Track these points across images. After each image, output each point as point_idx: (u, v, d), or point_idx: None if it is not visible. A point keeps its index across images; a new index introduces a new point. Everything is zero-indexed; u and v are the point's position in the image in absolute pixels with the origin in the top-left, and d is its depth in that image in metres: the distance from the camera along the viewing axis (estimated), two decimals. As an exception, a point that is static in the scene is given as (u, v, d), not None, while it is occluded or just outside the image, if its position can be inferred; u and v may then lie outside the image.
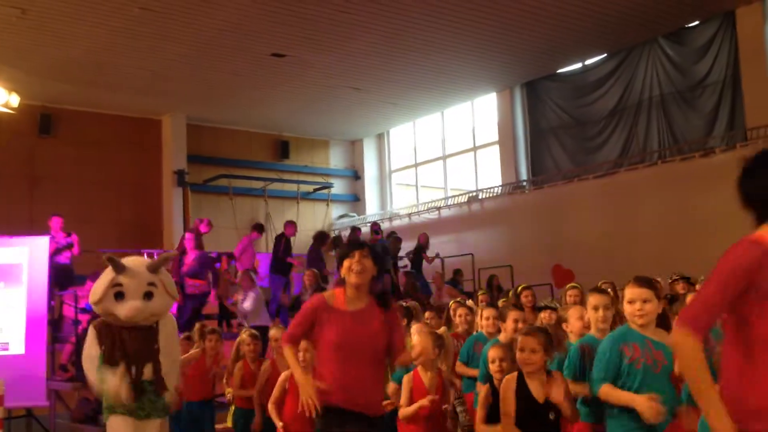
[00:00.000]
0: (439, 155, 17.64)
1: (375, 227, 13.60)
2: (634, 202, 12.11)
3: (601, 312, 3.88)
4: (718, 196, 10.78)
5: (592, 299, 3.98)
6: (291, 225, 12.12)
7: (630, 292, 3.38)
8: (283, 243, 11.64)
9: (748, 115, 11.60)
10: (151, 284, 4.03)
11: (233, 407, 5.90)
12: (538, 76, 14.69)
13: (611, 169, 13.22)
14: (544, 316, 5.38)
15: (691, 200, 11.21)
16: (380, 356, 3.56)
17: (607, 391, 3.31)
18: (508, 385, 3.64)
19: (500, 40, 12.48)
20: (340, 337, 3.45)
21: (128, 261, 4.11)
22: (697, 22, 12.43)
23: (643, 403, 3.14)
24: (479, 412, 3.83)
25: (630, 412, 3.22)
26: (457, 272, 12.58)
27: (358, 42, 12.21)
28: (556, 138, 14.75)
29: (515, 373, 3.67)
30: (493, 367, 4.03)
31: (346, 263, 3.53)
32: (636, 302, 3.32)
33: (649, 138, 13.13)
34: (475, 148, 16.76)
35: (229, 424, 6.10)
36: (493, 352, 4.10)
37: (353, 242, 4.05)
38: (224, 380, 6.04)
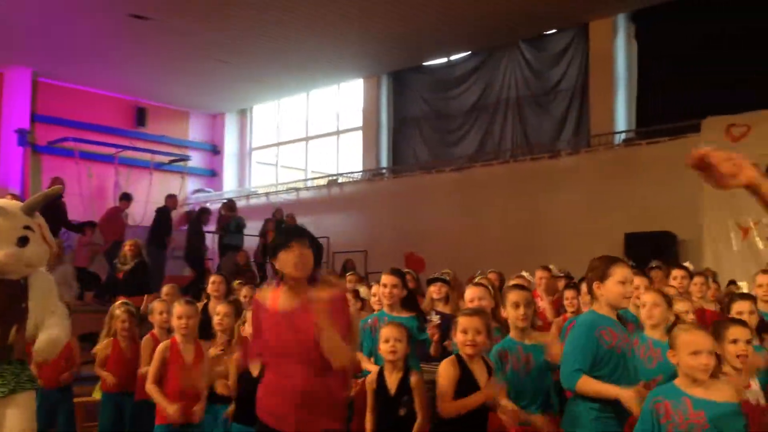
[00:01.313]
0: (301, 136, 17.54)
1: (230, 204, 13.39)
2: (486, 196, 12.63)
3: (522, 310, 3.65)
4: (562, 196, 11.55)
5: (513, 296, 3.70)
6: (172, 198, 12.11)
7: (622, 273, 3.27)
8: (165, 216, 11.57)
9: (593, 122, 12.43)
10: (27, 228, 3.26)
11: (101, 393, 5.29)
12: (404, 66, 14.93)
13: (467, 163, 13.70)
14: (434, 290, 5.38)
15: (538, 198, 11.85)
16: (320, 362, 2.91)
17: (585, 383, 3.11)
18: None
19: (368, 27, 12.56)
20: (269, 343, 3.06)
21: None
22: (554, 31, 13.13)
23: (631, 396, 2.96)
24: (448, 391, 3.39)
25: (602, 400, 3.09)
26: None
27: (226, 12, 11.83)
28: (418, 129, 15.08)
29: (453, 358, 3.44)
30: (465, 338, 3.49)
31: (282, 256, 3.03)
32: (626, 284, 3.26)
33: (504, 136, 13.74)
34: (338, 132, 16.80)
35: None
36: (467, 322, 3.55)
37: (290, 230, 3.43)
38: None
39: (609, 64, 12.30)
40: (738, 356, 3.22)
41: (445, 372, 3.37)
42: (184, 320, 4.33)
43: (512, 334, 3.71)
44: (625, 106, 12.26)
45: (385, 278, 4.56)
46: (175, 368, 4.22)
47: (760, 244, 9.48)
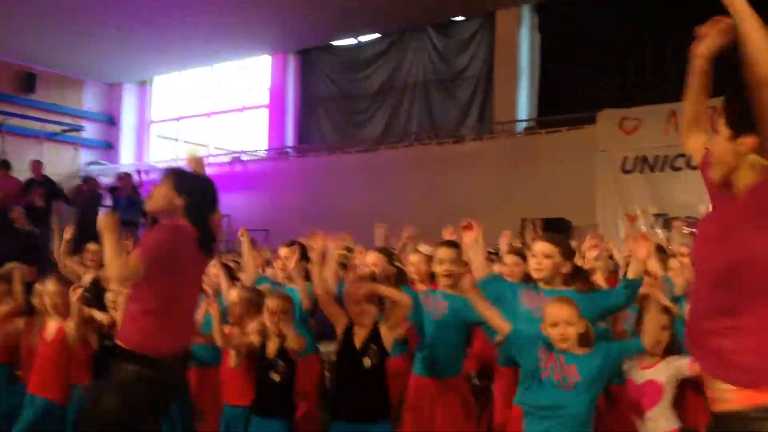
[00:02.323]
0: (205, 111, 17.06)
1: (125, 177, 12.97)
2: (392, 179, 12.71)
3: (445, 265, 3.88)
4: (465, 181, 11.77)
5: (438, 253, 3.95)
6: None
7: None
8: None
9: (497, 110, 12.71)
10: None
11: None
12: (313, 45, 14.76)
13: (373, 145, 13.73)
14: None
15: (442, 182, 12.03)
16: None
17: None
18: None
19: (277, 2, 12.31)
20: None
21: None
22: (462, 18, 13.30)
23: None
24: None
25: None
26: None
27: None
28: (325, 109, 14.98)
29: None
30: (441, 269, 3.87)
31: None
32: (538, 256, 3.47)
33: (410, 120, 13.86)
34: (243, 109, 16.45)
35: None
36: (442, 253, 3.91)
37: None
38: None
39: (513, 53, 12.58)
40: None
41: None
42: None
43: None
44: (528, 95, 12.60)
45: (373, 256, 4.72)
46: None
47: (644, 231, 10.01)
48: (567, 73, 11.81)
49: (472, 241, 3.83)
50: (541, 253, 3.45)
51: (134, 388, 3.08)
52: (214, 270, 4.86)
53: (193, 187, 3.32)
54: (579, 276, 3.60)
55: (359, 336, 3.57)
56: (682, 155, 9.96)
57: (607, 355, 3.12)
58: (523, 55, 12.59)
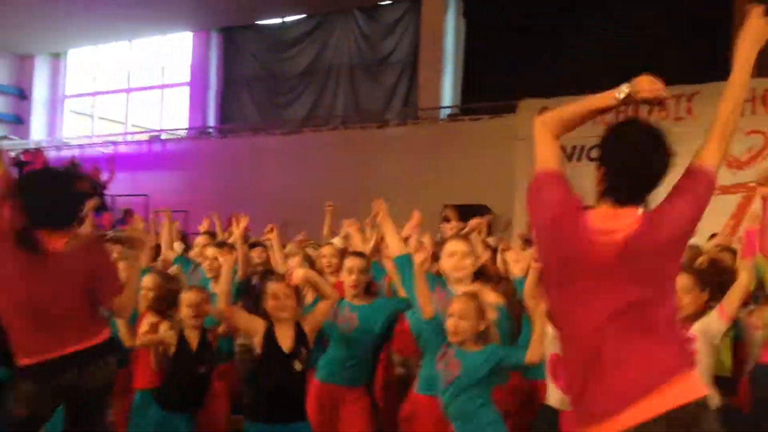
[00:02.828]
0: (122, 87, 16.47)
1: (34, 154, 12.42)
2: (316, 162, 12.61)
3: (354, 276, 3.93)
4: (389, 165, 11.80)
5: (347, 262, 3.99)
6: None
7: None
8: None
9: (421, 95, 12.79)
10: None
11: None
12: (237, 23, 14.44)
13: (297, 127, 13.60)
14: (256, 254, 5.37)
15: (367, 166, 12.02)
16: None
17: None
18: None
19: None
20: None
21: None
22: (389, 2, 13.28)
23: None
24: None
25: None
26: (128, 212, 11.95)
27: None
28: (249, 89, 14.71)
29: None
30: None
31: None
32: (457, 255, 3.44)
33: (335, 103, 13.78)
34: (163, 86, 15.97)
35: None
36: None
37: None
38: None
39: (439, 39, 12.66)
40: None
41: None
42: None
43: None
44: (452, 82, 12.72)
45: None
46: None
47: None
48: (491, 61, 11.96)
49: (382, 219, 3.78)
50: (461, 253, 3.45)
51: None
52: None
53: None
54: (483, 274, 3.60)
55: (285, 339, 3.46)
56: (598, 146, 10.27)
57: (490, 357, 3.08)
58: (448, 41, 12.69)
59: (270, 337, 3.45)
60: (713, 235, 6.14)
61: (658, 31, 10.30)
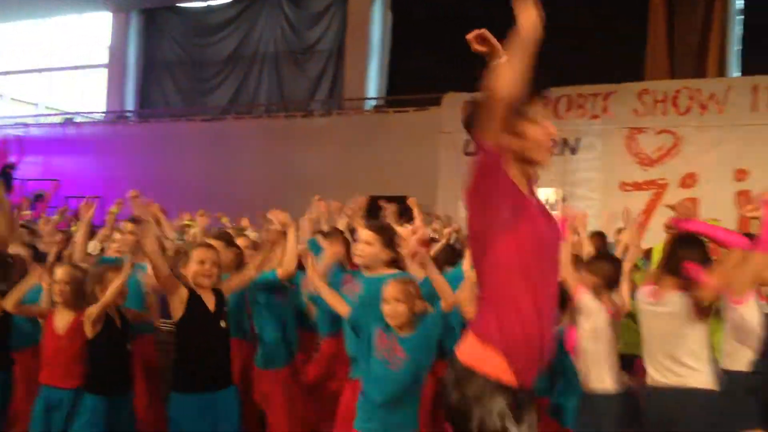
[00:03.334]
0: (35, 67, 15.77)
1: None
2: (238, 150, 12.42)
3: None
4: (314, 156, 11.75)
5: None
6: None
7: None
8: None
9: (347, 86, 12.77)
10: None
11: None
12: (158, 5, 14.04)
13: (220, 114, 13.35)
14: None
15: (291, 156, 11.93)
16: None
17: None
18: None
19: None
20: None
21: None
22: (316, -10, 13.19)
23: None
24: None
25: None
26: (39, 197, 11.47)
27: None
28: (170, 74, 14.34)
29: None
30: None
31: None
32: (360, 243, 3.50)
33: (259, 91, 13.60)
34: (79, 68, 15.37)
35: None
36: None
37: None
38: None
39: (365, 31, 12.66)
40: None
41: None
42: None
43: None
44: (378, 73, 12.75)
45: None
46: None
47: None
48: (416, 54, 12.06)
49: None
50: (364, 240, 3.52)
51: None
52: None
53: None
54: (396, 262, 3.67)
55: (209, 300, 3.51)
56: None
57: (425, 325, 3.16)
58: (374, 33, 12.70)
59: (194, 301, 3.48)
60: (620, 230, 6.38)
61: (579, 34, 10.61)
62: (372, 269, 3.48)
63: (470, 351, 2.09)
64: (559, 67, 10.46)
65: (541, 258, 2.09)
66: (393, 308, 3.14)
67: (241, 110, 13.34)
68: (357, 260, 3.56)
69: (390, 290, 3.17)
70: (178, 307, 3.47)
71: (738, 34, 10.34)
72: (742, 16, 10.35)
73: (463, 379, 2.06)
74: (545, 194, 10.35)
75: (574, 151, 10.18)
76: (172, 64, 14.33)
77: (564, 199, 10.19)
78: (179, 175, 12.52)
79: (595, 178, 9.96)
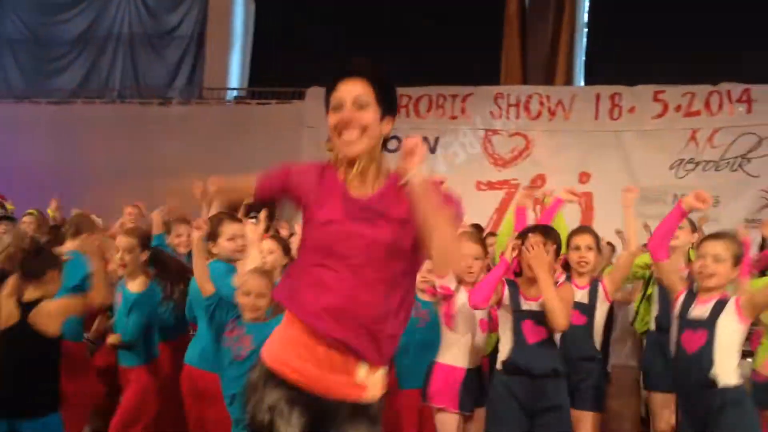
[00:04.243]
0: None
1: None
2: (88, 135, 11.75)
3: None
4: (171, 145, 11.33)
5: None
6: None
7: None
8: None
9: (207, 75, 12.41)
10: None
11: None
12: (-1, -24, 13.00)
13: (68, 98, 12.58)
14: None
15: (145, 145, 11.43)
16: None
17: None
18: None
19: None
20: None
21: None
22: (175, -26, 12.72)
23: None
24: None
25: None
26: None
27: None
28: (12, 52, 13.31)
29: None
30: None
31: None
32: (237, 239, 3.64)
33: (112, 75, 12.92)
34: None
35: None
36: None
37: None
38: None
39: (227, 19, 12.38)
40: None
41: None
42: None
43: None
44: (240, 64, 12.51)
45: None
46: None
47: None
48: (280, 46, 11.93)
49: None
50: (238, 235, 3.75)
51: None
52: None
53: None
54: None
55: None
56: (394, 137, 10.68)
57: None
58: (237, 21, 12.44)
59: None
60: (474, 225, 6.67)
61: (440, 36, 10.93)
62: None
63: (270, 338, 2.11)
64: (421, 67, 10.76)
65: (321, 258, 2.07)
66: (253, 302, 3.12)
67: (91, 94, 12.61)
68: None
69: (251, 284, 3.14)
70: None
71: (583, 47, 11.06)
72: (587, 29, 11.09)
73: (254, 364, 2.06)
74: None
75: (432, 150, 10.49)
76: (14, 41, 13.29)
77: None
78: (21, 161, 11.67)
79: (452, 177, 10.31)
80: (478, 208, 10.09)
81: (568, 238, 3.81)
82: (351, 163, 2.14)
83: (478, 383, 3.58)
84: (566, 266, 3.79)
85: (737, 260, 3.15)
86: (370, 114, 2.17)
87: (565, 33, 10.68)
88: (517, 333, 3.34)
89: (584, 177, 9.85)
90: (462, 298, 3.55)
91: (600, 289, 3.72)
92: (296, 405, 1.95)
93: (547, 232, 3.41)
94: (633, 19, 10.21)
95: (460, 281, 3.60)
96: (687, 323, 3.16)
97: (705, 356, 3.04)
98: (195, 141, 11.29)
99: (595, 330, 3.75)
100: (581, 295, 3.70)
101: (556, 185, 9.80)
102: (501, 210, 10.07)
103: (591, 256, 3.74)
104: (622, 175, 9.63)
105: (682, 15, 9.92)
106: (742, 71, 9.28)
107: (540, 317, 3.32)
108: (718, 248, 3.14)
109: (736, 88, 9.35)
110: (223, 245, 3.70)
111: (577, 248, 3.77)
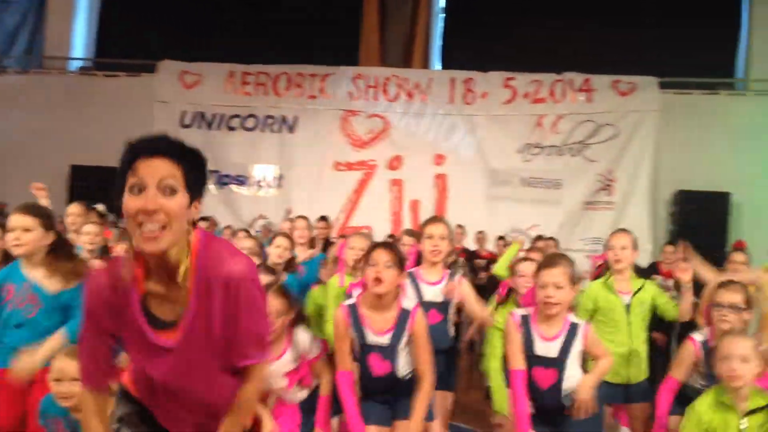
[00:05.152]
0: None
1: None
2: None
3: None
4: (8, 118, 10.49)
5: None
6: None
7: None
8: None
9: (48, 44, 11.55)
10: None
11: None
12: None
13: None
14: None
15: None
16: None
17: None
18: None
19: None
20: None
21: None
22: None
23: None
24: None
25: None
26: None
27: None
28: None
29: None
30: None
31: None
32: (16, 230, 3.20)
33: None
34: None
35: None
36: None
37: None
38: None
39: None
40: None
41: None
42: None
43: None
44: (85, 34, 11.74)
45: None
46: None
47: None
48: (129, 17, 11.32)
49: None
50: (21, 227, 3.12)
51: None
52: None
53: None
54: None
55: None
56: (237, 116, 10.46)
57: None
58: (81, -11, 11.66)
59: None
60: (322, 218, 6.71)
61: (300, 14, 10.80)
62: (30, 260, 3.17)
63: None
64: (280, 45, 10.60)
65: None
66: None
67: None
68: (15, 250, 3.15)
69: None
70: None
71: (440, 31, 11.34)
72: (444, 15, 11.37)
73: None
74: (263, 171, 10.46)
75: (291, 129, 10.39)
76: None
77: (281, 177, 10.38)
78: None
79: (311, 157, 10.27)
80: (337, 189, 10.15)
81: (422, 227, 3.86)
82: (152, 258, 1.81)
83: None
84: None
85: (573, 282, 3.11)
86: (178, 201, 1.78)
87: (422, 16, 10.89)
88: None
89: (439, 159, 10.15)
90: None
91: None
92: (147, 422, 2.07)
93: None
94: (489, 5, 10.59)
95: None
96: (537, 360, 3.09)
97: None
98: (34, 113, 10.51)
99: (449, 325, 3.80)
100: (433, 294, 3.73)
101: (413, 167, 10.14)
102: (358, 191, 10.18)
103: (444, 245, 3.79)
104: (475, 158, 10.03)
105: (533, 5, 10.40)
106: (584, 62, 9.90)
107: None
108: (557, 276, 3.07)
109: (578, 78, 9.97)
110: None
111: (431, 237, 3.80)
